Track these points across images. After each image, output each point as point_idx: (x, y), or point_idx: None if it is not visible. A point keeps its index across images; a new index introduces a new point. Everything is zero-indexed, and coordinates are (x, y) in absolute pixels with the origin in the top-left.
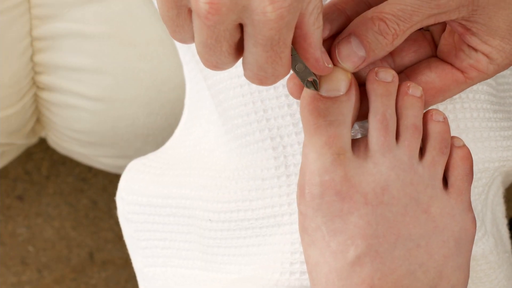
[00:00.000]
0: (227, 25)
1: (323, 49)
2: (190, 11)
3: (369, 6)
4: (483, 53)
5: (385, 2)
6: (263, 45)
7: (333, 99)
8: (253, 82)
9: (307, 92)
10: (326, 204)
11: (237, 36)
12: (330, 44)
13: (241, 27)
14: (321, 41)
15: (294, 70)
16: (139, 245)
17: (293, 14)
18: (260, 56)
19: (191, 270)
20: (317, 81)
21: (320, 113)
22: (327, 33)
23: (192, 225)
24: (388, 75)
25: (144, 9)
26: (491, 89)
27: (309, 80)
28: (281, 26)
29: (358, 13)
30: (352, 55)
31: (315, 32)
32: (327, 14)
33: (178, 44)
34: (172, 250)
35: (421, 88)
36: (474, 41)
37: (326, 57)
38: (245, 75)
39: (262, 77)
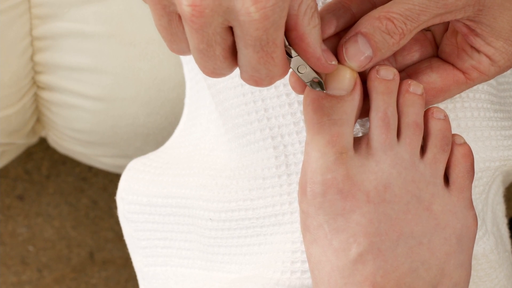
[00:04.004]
0: (215, 28)
1: (324, 47)
2: (180, 17)
3: (374, 4)
4: (486, 55)
5: (391, 2)
6: (253, 46)
7: (338, 97)
8: (249, 83)
9: (311, 89)
10: (328, 203)
11: (229, 39)
12: (335, 41)
13: (232, 29)
14: (321, 39)
15: (297, 72)
16: (139, 244)
17: (279, 13)
18: (251, 58)
19: (192, 270)
20: (322, 81)
21: (324, 111)
22: (333, 30)
23: (193, 224)
24: (389, 73)
25: (144, 9)
26: (491, 89)
27: (314, 80)
28: (267, 26)
29: (363, 11)
30: (358, 54)
31: (312, 31)
32: (333, 11)
33: None
34: (172, 250)
35: (422, 86)
36: (477, 42)
37: (328, 54)
38: (241, 76)
39: (257, 78)
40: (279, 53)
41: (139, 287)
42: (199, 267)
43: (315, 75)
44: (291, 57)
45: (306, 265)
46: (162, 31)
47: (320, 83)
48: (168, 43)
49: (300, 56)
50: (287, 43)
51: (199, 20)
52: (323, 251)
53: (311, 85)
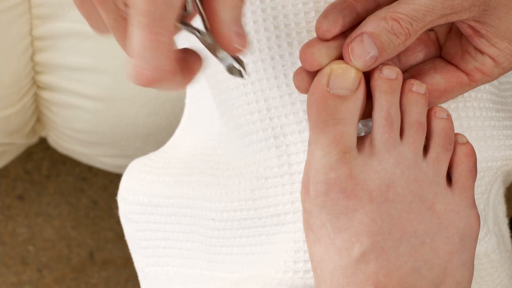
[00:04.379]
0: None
1: (239, 31)
2: None
3: (378, 4)
4: (490, 56)
5: (397, 2)
6: (142, 24)
7: (342, 97)
8: (135, 81)
9: (316, 89)
10: (331, 202)
11: None
12: (341, 40)
13: None
14: (236, 21)
15: (216, 56)
16: (140, 244)
17: None
18: (138, 38)
19: (193, 270)
20: (242, 68)
21: (328, 111)
22: (338, 29)
23: (194, 224)
24: (393, 72)
25: None
26: (493, 88)
27: (235, 67)
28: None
29: (367, 10)
30: (364, 54)
31: (224, 9)
32: (339, 10)
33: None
34: (174, 250)
35: (425, 85)
36: (482, 43)
37: (239, 39)
38: (129, 72)
39: (140, 67)
40: (168, 38)
41: (140, 287)
42: (201, 267)
43: (233, 61)
44: (210, 43)
45: (309, 265)
46: (80, 9)
47: (238, 71)
48: (89, 22)
49: (212, 34)
50: (204, 15)
51: None
52: (326, 250)
53: (231, 72)
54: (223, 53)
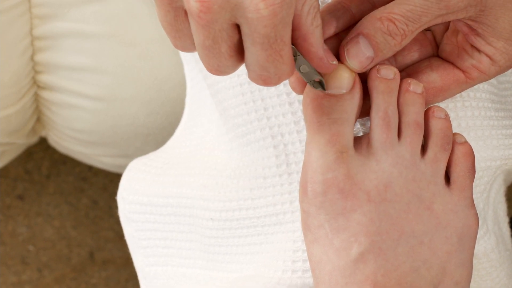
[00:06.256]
0: (222, 24)
1: (326, 47)
2: (187, 13)
3: (373, 5)
4: (486, 55)
5: (393, 2)
6: (261, 44)
7: (337, 96)
8: (257, 83)
9: (310, 89)
10: (329, 202)
11: (235, 37)
12: (335, 41)
13: (238, 27)
14: (323, 39)
15: (299, 71)
16: (140, 244)
17: (287, 10)
18: (260, 56)
19: (193, 269)
20: (323, 81)
21: (323, 110)
22: (332, 30)
23: (193, 224)
24: (390, 72)
25: (144, 9)
26: (492, 88)
27: (316, 80)
28: (275, 23)
29: (362, 11)
30: (360, 55)
31: (315, 31)
32: (333, 11)
33: None
34: (173, 250)
35: (422, 84)
36: (478, 41)
37: (329, 54)
38: (249, 76)
39: (265, 77)
40: (287, 50)
41: (140, 287)
42: (200, 266)
43: (316, 74)
44: (294, 56)
45: (307, 264)
46: (167, 27)
47: (321, 83)
48: (173, 39)
49: (303, 56)
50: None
51: (206, 16)
52: (324, 250)
53: (312, 84)
54: (306, 69)
